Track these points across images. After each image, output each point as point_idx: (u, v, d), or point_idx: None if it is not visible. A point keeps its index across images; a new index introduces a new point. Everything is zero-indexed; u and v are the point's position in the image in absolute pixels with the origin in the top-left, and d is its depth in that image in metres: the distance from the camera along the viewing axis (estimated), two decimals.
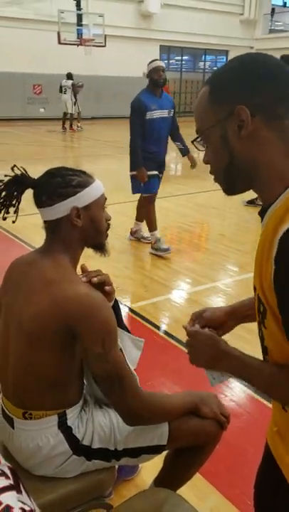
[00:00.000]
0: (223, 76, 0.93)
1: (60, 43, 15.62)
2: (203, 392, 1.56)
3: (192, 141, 1.00)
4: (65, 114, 15.59)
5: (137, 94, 4.45)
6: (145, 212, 4.75)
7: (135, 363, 1.53)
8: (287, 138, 0.90)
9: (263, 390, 0.99)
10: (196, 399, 1.50)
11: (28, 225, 3.42)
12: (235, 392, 2.53)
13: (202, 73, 23.63)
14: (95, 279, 1.39)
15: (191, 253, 4.83)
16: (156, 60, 4.49)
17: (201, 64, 24.10)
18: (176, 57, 23.06)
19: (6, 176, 1.43)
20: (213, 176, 1.00)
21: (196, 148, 1.00)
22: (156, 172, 4.53)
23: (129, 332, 1.58)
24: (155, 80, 4.33)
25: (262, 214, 0.94)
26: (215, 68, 15.16)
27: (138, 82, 18.85)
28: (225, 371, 1.06)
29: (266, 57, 0.91)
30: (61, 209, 1.37)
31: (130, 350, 1.52)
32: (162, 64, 4.39)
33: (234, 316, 1.26)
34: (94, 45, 16.05)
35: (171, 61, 22.55)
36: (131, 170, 4.49)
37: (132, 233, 5.07)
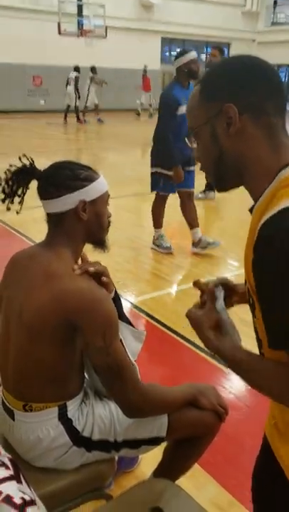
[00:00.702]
0: (213, 75, 0.98)
1: (60, 33, 15.54)
2: (202, 384, 1.57)
3: (185, 137, 1.04)
4: (68, 106, 15.57)
5: (168, 89, 4.26)
6: (154, 207, 4.60)
7: (135, 354, 1.55)
8: (274, 134, 0.93)
9: (246, 377, 0.99)
10: (195, 391, 1.52)
11: (29, 218, 3.43)
12: (234, 384, 2.55)
13: (203, 66, 23.50)
14: (91, 269, 1.39)
15: (191, 247, 4.83)
16: (188, 50, 4.26)
17: (203, 56, 23.96)
18: (178, 50, 22.88)
19: (11, 165, 1.44)
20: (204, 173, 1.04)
21: (189, 144, 1.03)
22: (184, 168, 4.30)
23: (130, 323, 1.59)
24: (194, 71, 4.04)
25: (251, 211, 0.97)
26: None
27: (139, 74, 18.86)
28: (208, 346, 1.05)
29: (256, 59, 0.95)
30: (68, 201, 1.38)
31: (130, 342, 1.53)
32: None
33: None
34: (95, 36, 15.99)
35: (172, 53, 22.41)
36: (154, 166, 4.32)
37: (196, 244, 4.53)
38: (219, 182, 1.02)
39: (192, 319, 1.07)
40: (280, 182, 0.90)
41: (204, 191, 6.34)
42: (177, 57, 4.16)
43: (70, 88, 15.25)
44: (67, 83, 15.28)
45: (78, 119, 15.81)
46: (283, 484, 1.08)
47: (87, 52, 16.90)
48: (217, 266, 4.34)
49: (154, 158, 4.34)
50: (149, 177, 4.45)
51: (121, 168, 6.24)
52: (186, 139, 1.03)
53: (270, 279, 0.84)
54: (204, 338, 1.04)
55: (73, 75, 15.18)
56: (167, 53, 22.42)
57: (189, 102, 1.01)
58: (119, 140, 11.76)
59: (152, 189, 4.51)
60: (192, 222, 4.52)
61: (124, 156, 10.09)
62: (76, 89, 15.23)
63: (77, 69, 15.22)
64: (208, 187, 6.27)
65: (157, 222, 4.61)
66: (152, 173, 4.40)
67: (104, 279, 1.45)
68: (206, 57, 18.81)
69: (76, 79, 15.15)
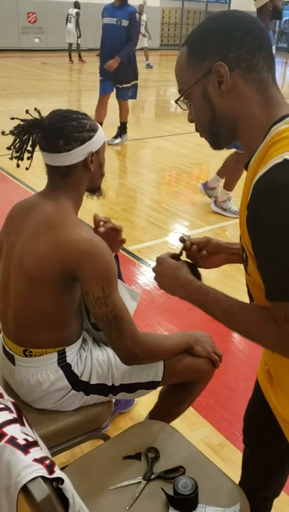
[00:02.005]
0: (199, 35, 0.95)
1: None
2: (198, 332, 1.61)
3: (175, 101, 1.01)
4: (70, 45, 14.94)
5: None
6: (233, 167, 4.09)
7: (132, 312, 1.57)
8: (265, 89, 0.93)
9: (220, 320, 1.02)
10: (190, 339, 1.55)
11: (25, 163, 3.37)
12: (228, 330, 2.60)
13: (205, 3, 22.36)
14: (109, 225, 1.38)
15: (189, 195, 4.79)
16: None
17: None
18: None
19: (12, 118, 1.40)
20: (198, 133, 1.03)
21: (180, 107, 1.01)
22: None
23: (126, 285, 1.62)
24: (279, 9, 3.68)
25: (246, 166, 0.96)
26: None
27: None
28: (184, 299, 1.09)
29: (240, 13, 0.94)
30: (79, 154, 1.36)
31: (127, 301, 1.55)
32: None
33: (230, 258, 1.28)
34: None
35: None
36: None
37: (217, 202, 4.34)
38: (214, 141, 1.02)
39: (165, 263, 1.13)
40: (272, 138, 0.89)
41: None
42: None
43: (71, 26, 14.63)
44: (68, 20, 14.61)
45: (80, 57, 15.23)
46: (274, 428, 1.13)
47: None
48: (214, 214, 4.32)
49: None
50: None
51: (115, 111, 6.05)
52: (176, 103, 1.01)
53: (264, 235, 0.84)
54: (182, 279, 1.09)
55: (74, 11, 14.50)
56: None
57: (177, 64, 0.99)
58: None
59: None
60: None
61: None
62: (77, 26, 14.58)
63: (77, 5, 14.51)
64: None
65: (231, 185, 4.22)
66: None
67: (121, 238, 1.46)
68: None
69: (77, 15, 14.47)
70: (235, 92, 0.92)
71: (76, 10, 14.53)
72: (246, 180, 0.94)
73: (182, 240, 1.24)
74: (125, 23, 5.53)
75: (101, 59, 5.81)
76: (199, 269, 1.20)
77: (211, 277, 3.14)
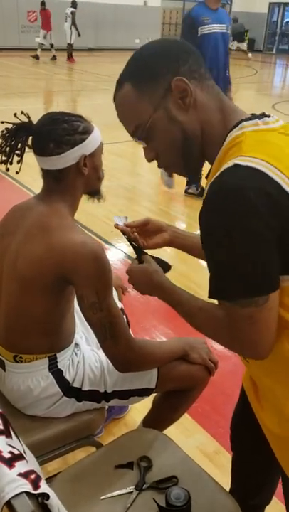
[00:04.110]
0: (139, 63, 0.91)
1: None
2: (193, 338, 1.58)
3: (136, 140, 0.96)
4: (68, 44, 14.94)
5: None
6: None
7: None
8: (217, 95, 0.92)
9: (186, 320, 1.04)
10: (185, 345, 1.53)
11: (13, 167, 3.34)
12: None
13: None
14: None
15: (186, 198, 4.77)
16: None
17: None
18: None
19: (2, 122, 1.39)
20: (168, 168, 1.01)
21: (141, 143, 0.96)
22: None
23: None
24: None
25: (208, 177, 0.94)
26: None
27: (139, 11, 17.93)
28: (160, 299, 1.12)
29: (155, 41, 0.94)
30: (70, 158, 1.34)
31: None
32: None
33: (174, 240, 1.33)
34: None
35: None
36: None
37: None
38: (189, 166, 0.97)
39: (134, 273, 1.15)
40: (228, 144, 0.88)
41: None
42: None
43: (67, 25, 14.58)
44: (66, 19, 14.59)
45: (71, 56, 15.18)
46: (259, 435, 1.11)
47: None
48: None
49: None
50: None
51: (114, 111, 6.04)
52: (136, 141, 0.97)
53: (202, 235, 0.86)
54: (155, 282, 1.11)
55: (69, 10, 14.45)
56: None
57: (122, 105, 0.93)
58: (114, 81, 11.34)
59: None
60: None
61: None
62: (73, 25, 14.54)
63: (73, 4, 14.46)
64: None
65: None
66: None
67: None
68: None
69: (72, 14, 14.43)
70: (197, 103, 0.90)
71: (71, 9, 14.45)
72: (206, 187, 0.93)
73: (116, 227, 1.26)
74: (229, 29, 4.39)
75: None
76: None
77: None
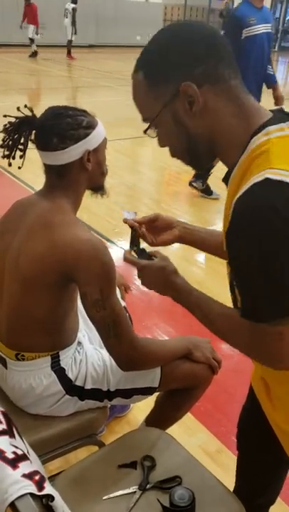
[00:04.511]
0: (154, 55, 0.87)
1: None
2: (197, 337, 1.57)
3: (144, 131, 0.94)
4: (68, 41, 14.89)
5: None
6: None
7: None
8: (237, 98, 0.87)
9: (204, 324, 1.02)
10: (189, 344, 1.51)
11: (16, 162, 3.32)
12: None
13: None
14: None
15: (189, 196, 4.75)
16: None
17: None
18: None
19: (5, 115, 1.36)
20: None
21: (150, 136, 0.94)
22: None
23: None
24: None
25: (226, 181, 0.92)
26: None
27: (140, 7, 17.85)
28: (175, 300, 1.10)
29: (195, 24, 0.88)
30: (74, 153, 1.32)
31: None
32: None
33: (184, 236, 1.30)
34: None
35: None
36: None
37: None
38: (196, 163, 0.98)
39: (149, 271, 1.11)
40: (252, 151, 0.84)
41: None
42: None
43: (67, 21, 14.51)
44: (65, 15, 14.51)
45: (69, 53, 15.11)
46: (268, 434, 1.10)
47: None
48: (214, 215, 4.29)
49: None
50: None
51: (118, 108, 6.01)
52: (145, 133, 0.94)
53: (235, 255, 0.84)
54: (169, 283, 1.08)
55: (70, 6, 14.38)
56: None
57: (134, 92, 0.91)
58: (116, 78, 11.29)
59: None
60: None
61: (121, 96, 9.74)
62: (73, 22, 14.48)
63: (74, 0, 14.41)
64: None
65: None
66: None
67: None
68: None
69: (73, 11, 14.36)
70: (208, 109, 0.86)
71: (73, 5, 14.35)
72: (228, 193, 0.90)
73: (125, 221, 1.24)
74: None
75: (248, 79, 3.88)
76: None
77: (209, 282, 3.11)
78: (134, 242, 1.22)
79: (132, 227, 1.23)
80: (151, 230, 1.27)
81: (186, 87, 0.84)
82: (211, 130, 0.88)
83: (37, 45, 15.21)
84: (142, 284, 1.15)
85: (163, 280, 1.10)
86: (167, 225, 1.28)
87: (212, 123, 0.87)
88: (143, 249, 1.20)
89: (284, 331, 0.83)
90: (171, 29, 0.88)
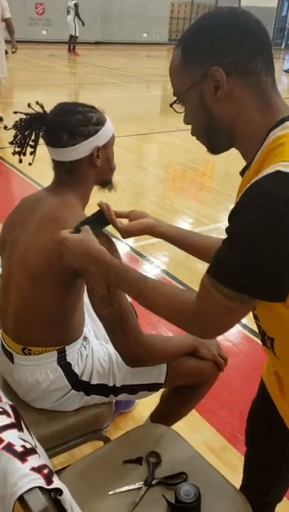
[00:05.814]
0: (193, 36, 0.90)
1: None
2: None
3: (170, 105, 0.96)
4: (71, 36, 14.86)
5: None
6: None
7: None
8: (264, 93, 0.88)
9: (133, 297, 1.08)
10: (195, 341, 1.51)
11: (29, 156, 3.32)
12: (231, 332, 2.57)
13: None
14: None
15: (194, 192, 4.74)
16: None
17: None
18: None
19: (16, 112, 1.36)
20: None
21: (175, 110, 0.97)
22: None
23: None
24: None
25: (243, 173, 0.93)
26: None
27: (147, 4, 17.77)
28: (99, 271, 1.13)
29: (241, 12, 0.88)
30: (83, 149, 1.32)
31: None
32: None
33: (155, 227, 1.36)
34: None
35: None
36: None
37: None
38: (211, 146, 0.99)
39: (76, 242, 1.14)
40: (269, 144, 0.85)
41: None
42: None
43: (70, 17, 14.53)
44: (68, 12, 14.54)
45: (72, 49, 15.14)
46: (278, 429, 1.09)
47: None
48: (220, 212, 4.28)
49: None
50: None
51: (123, 105, 6.01)
52: (171, 107, 0.97)
53: (232, 225, 0.85)
54: (94, 252, 1.11)
55: (72, 3, 14.40)
56: None
57: (171, 66, 0.94)
58: (121, 75, 11.27)
59: None
60: None
61: (127, 92, 9.73)
62: (75, 18, 14.48)
63: None
64: None
65: None
66: None
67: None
68: None
69: (76, 7, 14.37)
70: (232, 98, 0.88)
71: (74, 1, 14.41)
72: (240, 186, 0.91)
73: (99, 204, 1.29)
74: None
75: None
76: None
77: None
78: (94, 222, 1.24)
79: (100, 207, 1.28)
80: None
81: (215, 72, 0.86)
82: (233, 119, 0.90)
83: (44, 42, 15.26)
84: (67, 257, 1.17)
85: (83, 248, 1.13)
86: (139, 216, 1.36)
87: (235, 113, 0.89)
88: (103, 233, 1.25)
89: (236, 309, 0.86)
90: (218, 12, 0.91)
